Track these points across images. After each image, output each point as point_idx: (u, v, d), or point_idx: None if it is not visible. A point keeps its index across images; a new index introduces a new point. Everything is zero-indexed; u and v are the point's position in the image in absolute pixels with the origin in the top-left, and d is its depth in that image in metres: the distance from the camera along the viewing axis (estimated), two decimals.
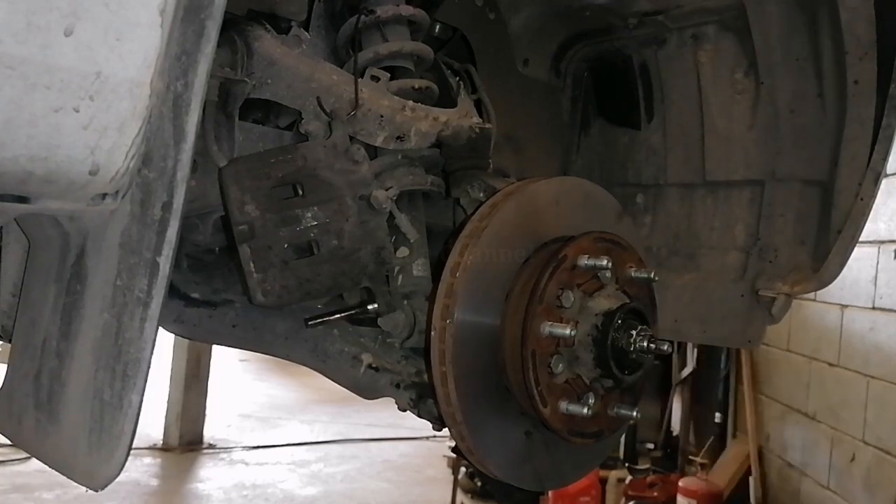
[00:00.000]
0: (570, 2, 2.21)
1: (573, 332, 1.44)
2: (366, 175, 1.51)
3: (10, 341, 1.37)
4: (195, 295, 1.63)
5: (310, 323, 1.61)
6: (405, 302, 1.63)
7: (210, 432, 8.64)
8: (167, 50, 0.96)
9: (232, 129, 1.46)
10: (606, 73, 2.42)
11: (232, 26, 1.44)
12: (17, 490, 6.48)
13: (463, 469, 6.76)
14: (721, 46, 2.14)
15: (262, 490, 7.19)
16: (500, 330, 1.49)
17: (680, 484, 6.21)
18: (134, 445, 1.07)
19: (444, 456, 7.48)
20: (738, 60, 2.12)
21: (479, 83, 1.98)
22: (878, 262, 4.98)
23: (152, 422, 8.20)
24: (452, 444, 1.60)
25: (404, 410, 1.76)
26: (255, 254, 1.40)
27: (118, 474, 1.06)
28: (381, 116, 1.54)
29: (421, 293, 1.64)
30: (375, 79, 1.60)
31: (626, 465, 6.81)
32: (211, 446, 8.41)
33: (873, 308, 5.03)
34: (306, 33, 1.59)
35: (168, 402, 8.39)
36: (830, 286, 2.03)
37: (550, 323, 1.43)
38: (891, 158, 1.92)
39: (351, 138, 1.51)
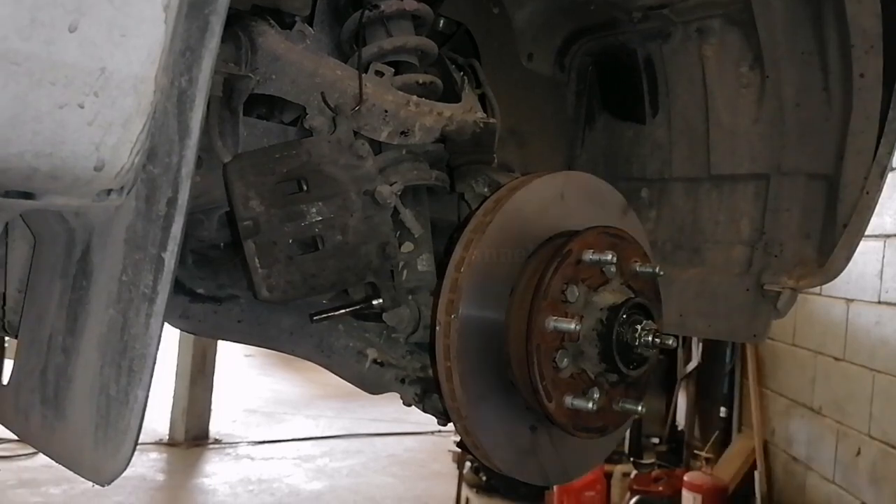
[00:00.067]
0: None
1: (578, 327, 1.44)
2: (370, 170, 1.51)
3: (16, 337, 1.37)
4: (200, 290, 1.63)
5: (315, 318, 1.62)
6: (410, 297, 1.63)
7: (216, 427, 8.66)
8: (171, 46, 0.96)
9: (236, 125, 1.46)
10: (611, 67, 2.41)
11: (236, 22, 1.44)
12: (24, 485, 6.51)
13: (468, 464, 6.76)
14: (726, 40, 2.13)
15: (268, 485, 7.21)
16: (504, 325, 1.49)
17: (685, 478, 6.21)
18: (140, 440, 1.07)
19: (449, 451, 7.48)
20: (744, 54, 2.11)
21: (483, 78, 1.98)
22: (883, 256, 4.97)
23: (158, 417, 8.23)
24: (457, 438, 1.60)
25: (409, 405, 1.77)
26: (259, 249, 1.40)
27: (124, 469, 1.06)
28: (386, 111, 1.54)
29: (426, 288, 1.64)
30: (380, 74, 1.60)
31: (632, 459, 6.80)
32: (216, 441, 8.44)
33: (879, 302, 5.02)
34: (310, 28, 1.59)
35: (174, 397, 8.41)
36: (836, 280, 2.02)
37: (555, 318, 1.43)
38: None
39: (355, 133, 1.51)
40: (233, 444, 8.40)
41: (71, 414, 1.14)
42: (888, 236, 4.91)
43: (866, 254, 5.00)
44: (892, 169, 2.05)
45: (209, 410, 8.60)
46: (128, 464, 1.06)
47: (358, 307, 1.61)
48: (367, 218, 1.51)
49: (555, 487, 6.08)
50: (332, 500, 6.93)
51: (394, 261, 1.56)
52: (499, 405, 1.52)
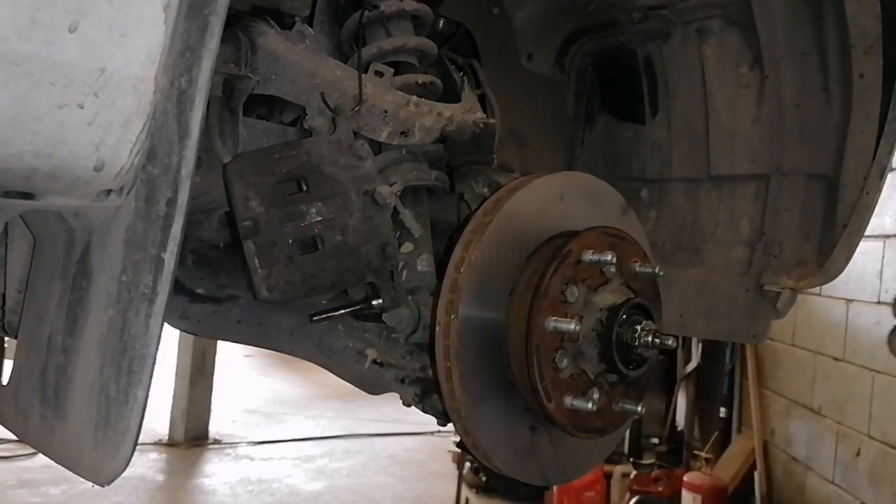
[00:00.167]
0: None
1: (578, 327, 1.44)
2: (370, 170, 1.51)
3: (16, 337, 1.37)
4: (200, 291, 1.63)
5: (314, 318, 1.62)
6: (410, 297, 1.63)
7: (215, 427, 8.66)
8: (171, 46, 0.96)
9: (236, 125, 1.46)
10: (611, 67, 2.41)
11: (236, 22, 1.44)
12: (23, 486, 6.50)
13: (468, 464, 6.76)
14: (726, 40, 2.13)
15: (268, 485, 7.21)
16: (504, 325, 1.49)
17: (685, 479, 6.22)
18: (139, 441, 1.07)
19: (449, 451, 7.48)
20: (743, 54, 2.12)
21: (482, 78, 1.98)
22: (883, 257, 4.97)
23: (158, 417, 8.23)
24: (457, 439, 1.60)
25: (409, 405, 1.77)
26: (259, 249, 1.40)
27: (124, 469, 1.06)
28: (385, 112, 1.54)
29: (425, 288, 1.64)
30: (379, 74, 1.60)
31: (631, 459, 6.81)
32: (216, 441, 8.44)
33: (879, 302, 5.02)
34: (310, 29, 1.59)
35: (174, 397, 8.41)
36: (836, 280, 2.02)
37: (555, 318, 1.43)
38: None
39: (355, 134, 1.51)
40: (232, 445, 8.40)
41: (70, 414, 1.14)
42: (888, 236, 4.91)
43: (866, 254, 5.00)
44: (892, 169, 2.05)
45: (209, 411, 8.60)
46: (127, 464, 1.06)
47: (358, 307, 1.61)
48: (367, 218, 1.50)
49: (554, 488, 6.08)
50: (332, 501, 6.93)
51: (393, 261, 1.56)
52: (498, 405, 1.52)
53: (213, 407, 8.67)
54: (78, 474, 1.13)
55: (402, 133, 1.57)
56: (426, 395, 1.71)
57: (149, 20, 0.93)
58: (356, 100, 1.51)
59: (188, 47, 0.99)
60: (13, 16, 0.84)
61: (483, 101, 1.91)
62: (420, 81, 1.65)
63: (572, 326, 1.43)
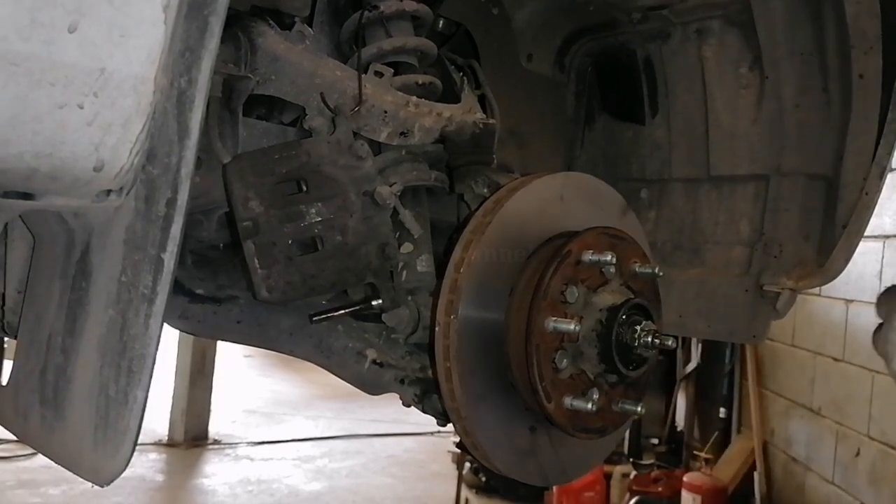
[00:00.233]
0: None
1: (577, 328, 1.44)
2: (370, 171, 1.51)
3: (15, 337, 1.37)
4: (200, 291, 1.63)
5: (314, 319, 1.61)
6: (409, 297, 1.63)
7: (215, 428, 8.66)
8: (171, 46, 0.96)
9: (236, 126, 1.46)
10: (610, 67, 2.41)
11: (235, 22, 1.44)
12: (22, 486, 6.50)
13: (467, 464, 6.76)
14: (725, 41, 2.13)
15: (268, 485, 7.21)
16: (504, 325, 1.49)
17: (684, 479, 6.22)
18: (139, 441, 1.07)
19: (449, 451, 7.48)
20: (743, 55, 2.12)
21: (482, 78, 1.97)
22: (883, 257, 4.97)
23: (157, 417, 8.23)
24: (457, 439, 1.60)
25: (409, 406, 1.77)
26: (259, 250, 1.40)
27: (124, 470, 1.06)
28: (385, 112, 1.54)
29: (425, 289, 1.64)
30: (379, 74, 1.60)
31: (631, 460, 6.81)
32: (216, 442, 8.43)
33: None
34: (310, 29, 1.59)
35: (173, 397, 8.41)
36: (835, 281, 2.02)
37: (555, 318, 1.43)
38: None
39: (355, 134, 1.51)
40: (232, 445, 8.40)
41: (70, 414, 1.14)
42: (887, 237, 4.91)
43: (866, 254, 5.00)
44: (892, 169, 2.05)
45: (208, 411, 8.60)
46: (127, 464, 1.06)
47: (357, 308, 1.61)
48: (367, 219, 1.50)
49: (554, 488, 6.08)
50: (332, 501, 6.93)
51: (393, 261, 1.56)
52: (498, 406, 1.52)
53: (213, 407, 8.67)
54: (77, 475, 1.13)
55: (401, 133, 1.57)
56: (426, 395, 1.71)
57: (149, 20, 0.93)
58: (356, 100, 1.51)
59: (188, 48, 0.99)
60: (13, 16, 0.84)
61: (483, 101, 1.91)
62: (420, 82, 1.65)
63: (572, 327, 1.43)
